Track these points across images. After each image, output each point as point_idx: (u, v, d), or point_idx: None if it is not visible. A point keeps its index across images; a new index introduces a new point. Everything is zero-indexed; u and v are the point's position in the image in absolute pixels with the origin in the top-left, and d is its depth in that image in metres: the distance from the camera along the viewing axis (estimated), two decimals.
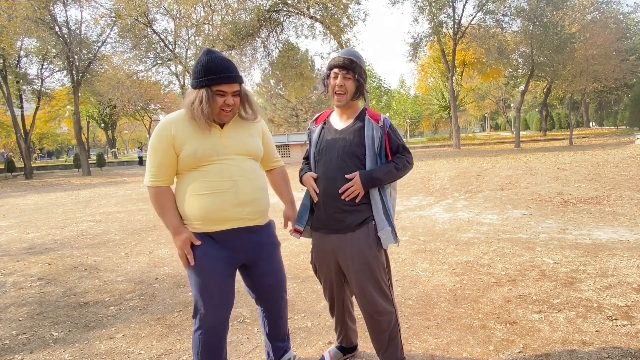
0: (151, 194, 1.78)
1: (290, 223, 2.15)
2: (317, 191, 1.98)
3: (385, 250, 1.99)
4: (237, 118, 1.86)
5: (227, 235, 1.80)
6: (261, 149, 1.94)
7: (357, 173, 1.89)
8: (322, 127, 2.07)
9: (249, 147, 1.85)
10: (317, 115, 2.17)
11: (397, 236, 1.98)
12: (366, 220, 1.92)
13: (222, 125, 1.80)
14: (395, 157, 1.98)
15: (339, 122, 2.04)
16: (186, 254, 1.75)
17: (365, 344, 2.47)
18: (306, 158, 2.19)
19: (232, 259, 1.84)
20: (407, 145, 2.05)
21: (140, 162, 33.17)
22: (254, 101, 1.88)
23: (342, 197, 1.89)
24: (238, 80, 1.74)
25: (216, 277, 1.79)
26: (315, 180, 1.99)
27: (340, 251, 1.95)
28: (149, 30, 19.80)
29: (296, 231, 2.09)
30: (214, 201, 1.73)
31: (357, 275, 1.92)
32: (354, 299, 2.26)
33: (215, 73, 1.67)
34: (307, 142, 2.15)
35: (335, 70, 1.92)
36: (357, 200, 1.90)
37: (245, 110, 1.85)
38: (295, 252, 4.63)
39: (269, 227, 1.98)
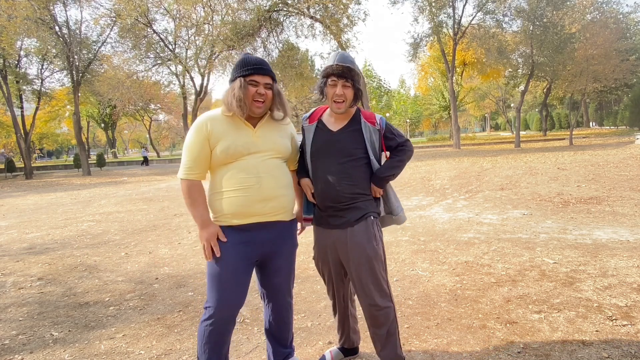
0: (184, 186, 1.85)
1: (299, 224, 2.18)
2: (313, 197, 2.04)
3: (382, 247, 2.03)
4: (269, 118, 1.94)
5: (250, 227, 1.85)
6: (289, 148, 2.01)
7: (371, 184, 2.01)
8: (316, 127, 2.06)
9: (278, 145, 1.92)
10: (309, 113, 2.16)
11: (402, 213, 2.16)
12: (365, 216, 1.97)
13: (254, 124, 1.89)
14: (396, 150, 2.06)
15: (333, 123, 2.04)
16: (212, 247, 1.82)
17: (365, 344, 2.47)
18: (301, 156, 2.16)
19: (251, 255, 1.88)
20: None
21: (145, 162, 32.48)
22: (285, 100, 1.96)
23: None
24: (270, 73, 1.86)
25: (230, 273, 1.83)
26: (314, 180, 2.02)
27: (340, 245, 1.98)
28: (149, 30, 19.80)
29: (306, 220, 2.12)
30: (239, 197, 1.81)
31: (357, 269, 1.95)
32: (355, 298, 2.27)
33: (248, 65, 1.82)
34: (303, 137, 2.15)
35: (334, 78, 1.92)
36: (380, 195, 2.05)
37: (277, 108, 1.93)
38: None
39: (291, 225, 2.02)
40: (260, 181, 1.82)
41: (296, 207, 2.12)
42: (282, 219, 1.94)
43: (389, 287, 2.05)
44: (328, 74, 1.94)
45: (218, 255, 1.82)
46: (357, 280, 1.97)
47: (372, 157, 1.98)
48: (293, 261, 2.06)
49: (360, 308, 2.05)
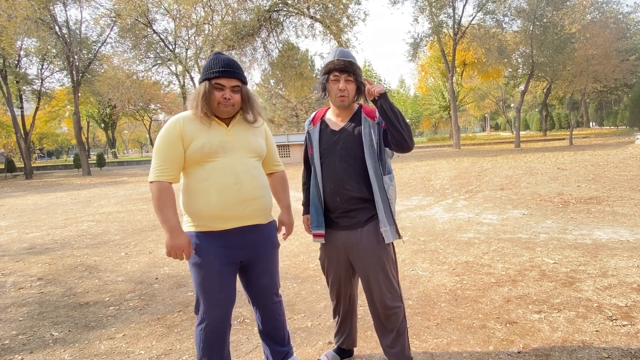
0: (153, 189, 1.76)
1: (284, 229, 2.16)
2: (310, 232, 2.11)
3: (393, 246, 2.03)
4: (241, 118, 1.91)
5: (229, 233, 1.83)
6: (264, 148, 1.98)
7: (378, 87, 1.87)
8: (320, 128, 2.07)
9: (253, 144, 1.89)
10: (312, 116, 2.16)
11: (398, 233, 1.99)
12: (374, 217, 1.97)
13: (227, 123, 1.86)
14: None
15: (335, 122, 2.04)
16: (182, 255, 1.74)
17: (365, 344, 2.47)
18: (306, 162, 2.19)
19: (233, 257, 1.86)
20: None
21: None
22: (256, 104, 1.91)
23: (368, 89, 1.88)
24: (236, 75, 1.80)
25: (215, 275, 1.82)
26: (323, 181, 2.01)
27: (351, 246, 1.98)
28: (149, 30, 19.80)
29: (319, 235, 2.06)
30: (218, 199, 1.77)
31: (368, 269, 1.96)
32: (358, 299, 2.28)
33: (215, 67, 1.77)
34: (305, 144, 2.14)
35: (336, 73, 1.92)
36: (376, 92, 1.86)
37: (247, 111, 1.89)
38: (295, 252, 4.63)
39: (270, 226, 2.00)
40: (239, 181, 1.79)
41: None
42: (262, 222, 1.93)
43: (400, 286, 2.06)
44: (330, 69, 1.93)
45: (189, 259, 1.77)
46: (367, 281, 1.97)
47: (367, 154, 1.92)
48: (276, 261, 2.05)
49: (362, 307, 2.05)
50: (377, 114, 1.98)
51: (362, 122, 1.98)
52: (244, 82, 1.84)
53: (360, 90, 1.97)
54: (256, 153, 1.91)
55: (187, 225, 1.85)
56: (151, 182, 1.78)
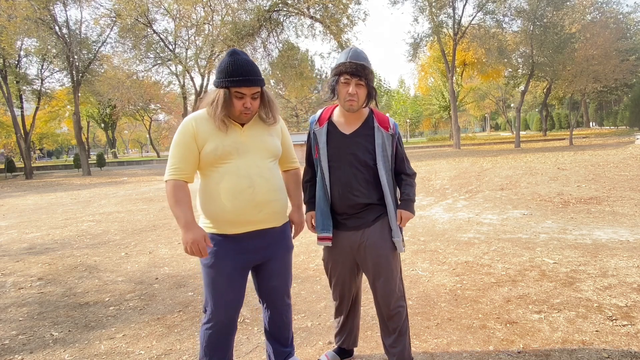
0: (168, 187, 1.74)
1: (294, 228, 2.10)
2: (315, 232, 2.06)
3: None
4: (257, 117, 1.87)
5: (243, 237, 1.81)
6: (280, 148, 1.94)
7: (400, 213, 1.99)
8: (328, 129, 1.99)
9: (268, 145, 1.85)
10: (318, 115, 2.06)
11: (404, 245, 2.05)
12: (381, 216, 1.96)
13: (242, 124, 1.82)
14: (407, 176, 2.06)
15: (344, 124, 1.98)
16: (200, 250, 1.69)
17: (365, 344, 2.47)
18: (309, 161, 2.12)
19: (245, 261, 1.85)
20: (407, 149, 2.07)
21: None
22: (275, 105, 1.88)
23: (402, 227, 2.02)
24: (258, 83, 1.74)
25: (225, 277, 1.81)
26: (331, 184, 1.97)
27: (357, 246, 1.97)
28: (149, 30, 19.80)
29: (326, 239, 2.03)
30: (232, 203, 1.75)
31: (374, 268, 1.96)
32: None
33: (235, 75, 1.68)
34: (309, 144, 2.08)
35: (347, 76, 1.83)
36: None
37: (266, 114, 1.85)
38: (295, 252, 4.62)
39: (285, 228, 1.98)
40: (253, 184, 1.76)
41: (289, 210, 2.02)
42: (276, 225, 1.90)
43: (403, 286, 2.07)
44: (341, 71, 1.84)
45: (206, 255, 1.72)
46: (373, 279, 1.98)
47: (380, 164, 1.92)
48: (289, 263, 2.03)
49: (362, 307, 2.06)
50: (391, 125, 1.97)
51: (375, 131, 1.94)
52: (263, 85, 1.79)
53: (371, 95, 1.90)
54: (271, 154, 1.86)
55: (203, 226, 1.85)
56: (166, 181, 1.76)
